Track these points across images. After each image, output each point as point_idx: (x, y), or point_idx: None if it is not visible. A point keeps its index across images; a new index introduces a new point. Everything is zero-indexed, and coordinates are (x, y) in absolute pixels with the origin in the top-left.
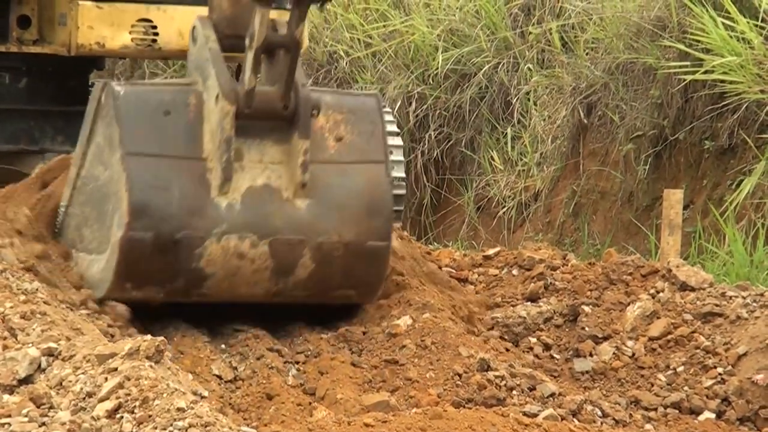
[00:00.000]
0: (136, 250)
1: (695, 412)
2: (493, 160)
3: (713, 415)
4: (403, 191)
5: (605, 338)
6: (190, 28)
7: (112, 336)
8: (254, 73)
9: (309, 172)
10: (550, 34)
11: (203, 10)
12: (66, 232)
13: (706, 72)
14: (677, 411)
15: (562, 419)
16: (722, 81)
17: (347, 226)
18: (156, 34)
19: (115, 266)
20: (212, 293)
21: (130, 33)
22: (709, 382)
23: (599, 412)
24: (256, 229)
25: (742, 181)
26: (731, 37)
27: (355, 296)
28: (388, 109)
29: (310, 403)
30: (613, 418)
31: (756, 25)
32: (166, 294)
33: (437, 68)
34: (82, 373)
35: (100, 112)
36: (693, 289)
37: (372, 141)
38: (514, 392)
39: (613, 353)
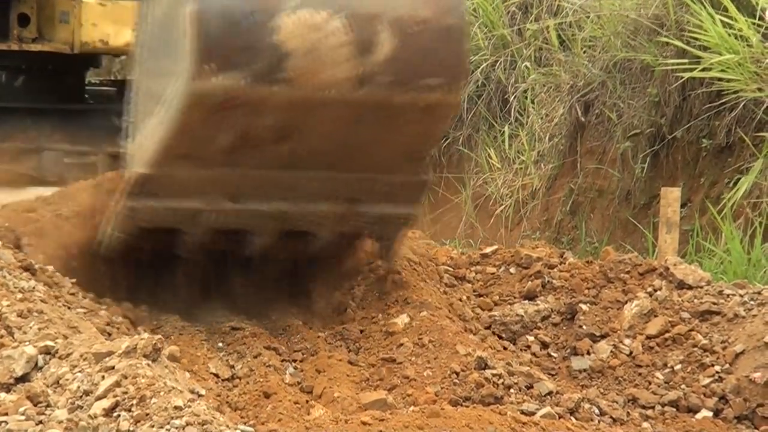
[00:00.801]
0: (211, 22)
1: (693, 410)
2: (491, 158)
3: (710, 414)
4: None
5: (603, 336)
6: None
7: (109, 334)
8: None
9: None
10: (548, 32)
11: None
12: (137, 119)
13: (703, 70)
14: (675, 409)
15: (559, 417)
16: (720, 79)
17: (420, 4)
18: None
19: (195, 44)
20: (296, 76)
21: (133, 30)
22: (707, 381)
23: (597, 411)
24: (330, 3)
25: (739, 179)
26: (729, 34)
27: (443, 86)
28: None
29: (307, 401)
30: (611, 417)
31: (754, 23)
32: (251, 78)
33: None
34: (79, 372)
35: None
36: (690, 288)
37: None
38: (512, 390)
39: (611, 351)
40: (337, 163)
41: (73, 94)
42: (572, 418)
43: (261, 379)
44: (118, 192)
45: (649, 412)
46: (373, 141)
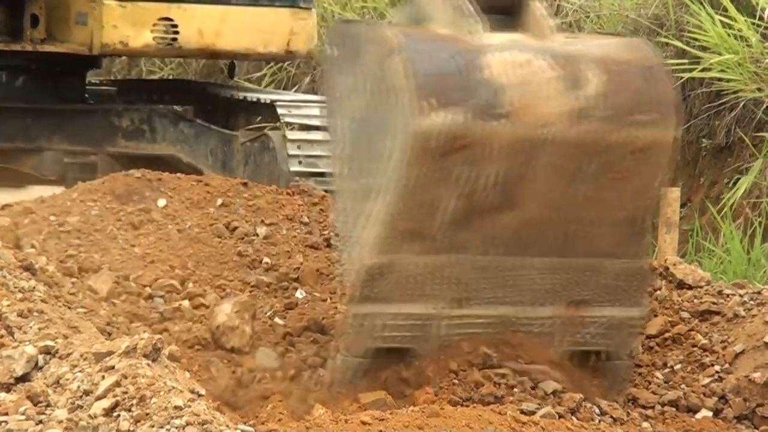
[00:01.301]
0: (421, 62)
1: (692, 410)
2: None
3: (710, 413)
4: None
5: None
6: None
7: (110, 334)
8: None
9: (554, 18)
10: None
11: (222, 9)
12: (353, 228)
13: (703, 70)
14: (674, 409)
15: (560, 417)
16: (719, 79)
17: (615, 49)
18: (176, 32)
19: (408, 83)
20: (513, 110)
21: (151, 32)
22: (707, 380)
23: (597, 410)
24: (529, 48)
25: (739, 179)
26: (729, 35)
27: (653, 124)
28: None
29: (307, 401)
30: (611, 416)
31: (753, 23)
32: (471, 114)
33: None
34: (79, 371)
35: (333, 63)
36: (690, 287)
37: (602, 36)
38: (515, 389)
39: None
40: (559, 242)
41: (73, 94)
42: (573, 417)
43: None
44: (342, 304)
45: (649, 411)
46: (593, 202)
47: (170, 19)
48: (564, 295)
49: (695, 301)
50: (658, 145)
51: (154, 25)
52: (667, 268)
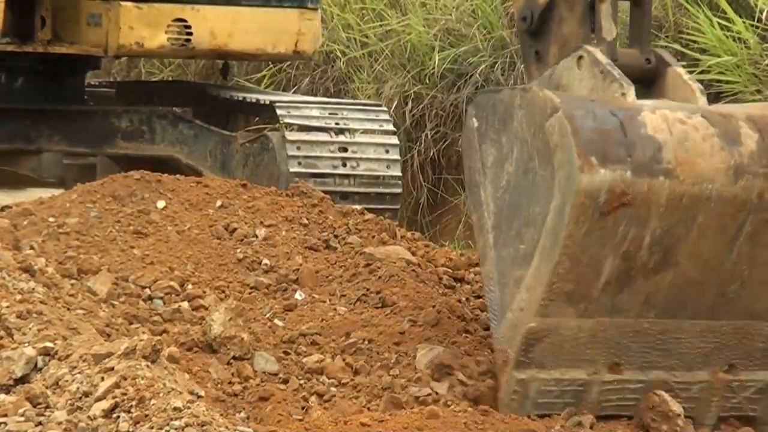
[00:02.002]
0: (582, 121)
1: None
2: None
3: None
4: (399, 190)
5: None
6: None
7: (109, 335)
8: (614, 22)
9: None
10: None
11: (234, 10)
12: (506, 297)
13: (702, 72)
14: None
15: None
16: (718, 81)
17: (763, 109)
18: (190, 34)
19: (573, 141)
20: (674, 166)
21: (165, 33)
22: None
23: None
24: (682, 108)
25: None
26: (727, 37)
27: None
28: (384, 109)
29: (306, 401)
30: None
31: (752, 25)
32: (633, 170)
33: (434, 68)
34: (79, 373)
35: (480, 133)
36: None
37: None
38: None
39: None
40: (714, 304)
41: (73, 95)
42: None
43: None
44: (499, 370)
45: None
46: (750, 261)
47: (184, 20)
48: (718, 357)
49: None
50: None
51: (169, 26)
52: None
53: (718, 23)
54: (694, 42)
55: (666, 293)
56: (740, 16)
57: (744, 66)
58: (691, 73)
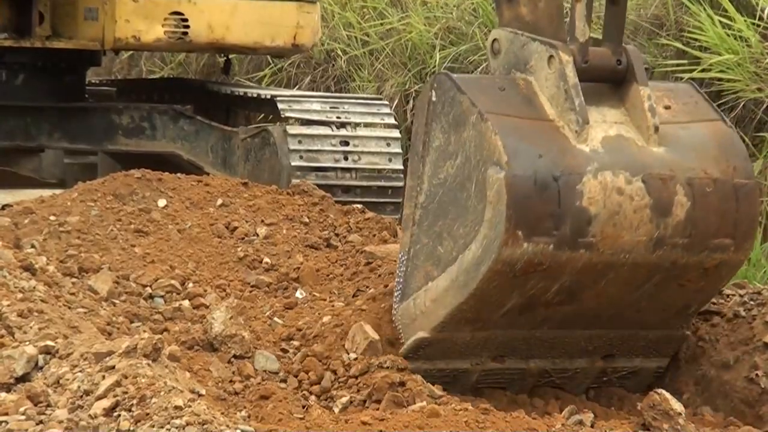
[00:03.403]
0: (521, 189)
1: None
2: None
3: (712, 412)
4: (401, 183)
5: None
6: (488, 42)
7: (110, 334)
8: (588, 24)
9: (658, 115)
10: None
11: (231, 3)
12: (411, 279)
13: (703, 70)
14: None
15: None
16: (719, 79)
17: (709, 164)
18: (187, 27)
19: (505, 213)
20: (598, 241)
21: (162, 26)
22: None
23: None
24: (626, 166)
25: None
26: (728, 35)
27: (732, 247)
28: (385, 103)
29: (307, 400)
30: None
31: (753, 23)
32: (556, 244)
33: (434, 66)
34: (80, 371)
35: (434, 110)
36: None
37: (699, 106)
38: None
39: None
40: (606, 322)
41: (73, 92)
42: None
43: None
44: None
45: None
46: (650, 299)
47: (181, 14)
48: (599, 352)
49: None
50: (729, 264)
51: (165, 19)
52: None
53: (720, 21)
54: (696, 40)
55: (563, 315)
56: (741, 15)
57: (745, 64)
58: (691, 71)
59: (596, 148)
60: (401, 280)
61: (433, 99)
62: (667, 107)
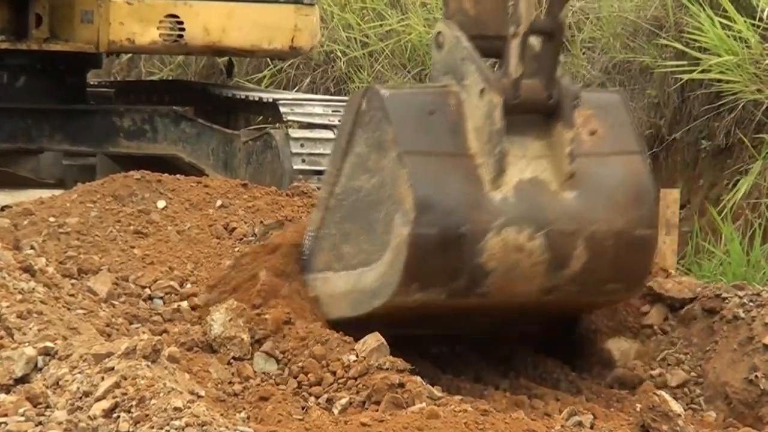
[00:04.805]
0: (423, 247)
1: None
2: None
3: (713, 414)
4: None
5: None
6: (433, 35)
7: (109, 335)
8: (521, 61)
9: (576, 161)
10: None
11: (227, 6)
12: (315, 258)
13: (702, 71)
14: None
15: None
16: (719, 80)
17: (615, 215)
18: (182, 30)
19: (403, 266)
20: (491, 291)
21: (158, 29)
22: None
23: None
24: (532, 221)
25: (738, 180)
26: (728, 36)
27: (623, 290)
28: None
29: (306, 401)
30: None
31: (753, 24)
32: (448, 294)
33: None
34: (79, 373)
35: (361, 119)
36: (681, 306)
37: (625, 133)
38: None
39: None
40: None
41: (74, 94)
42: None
43: (261, 380)
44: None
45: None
46: (537, 315)
47: (176, 16)
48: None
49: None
50: (619, 301)
51: (161, 22)
52: (652, 290)
53: (719, 22)
54: (695, 41)
55: (454, 323)
56: (741, 15)
57: (745, 65)
58: (691, 72)
59: (507, 197)
60: (306, 252)
61: (363, 108)
62: (593, 132)
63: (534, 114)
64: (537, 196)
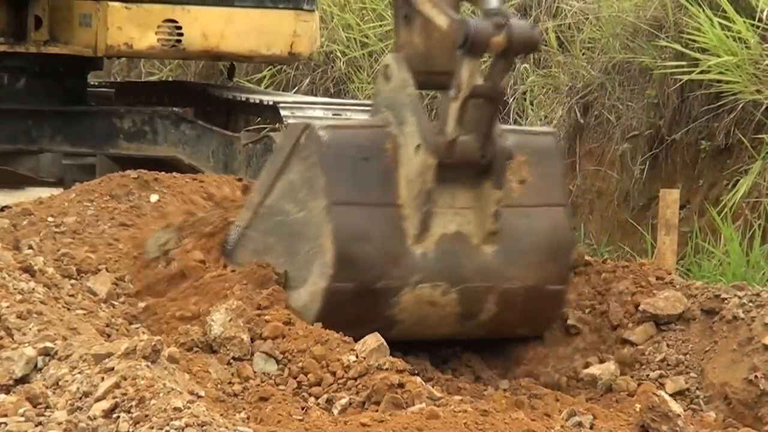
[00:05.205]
0: (337, 300)
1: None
2: None
3: (713, 414)
4: None
5: None
6: (382, 65)
7: (109, 336)
8: (459, 124)
9: (499, 221)
10: (547, 33)
11: (226, 11)
12: (239, 252)
13: (702, 72)
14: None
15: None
16: (718, 81)
17: (530, 272)
18: (180, 34)
19: (317, 312)
20: (400, 336)
21: (156, 34)
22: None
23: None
24: (448, 277)
25: (738, 180)
26: (727, 36)
27: (529, 332)
28: None
29: (306, 401)
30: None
31: (753, 25)
32: (360, 334)
33: None
34: (79, 373)
35: (299, 151)
36: (666, 323)
37: (553, 183)
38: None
39: None
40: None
41: (74, 96)
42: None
43: (260, 380)
44: None
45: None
46: None
47: (174, 21)
48: None
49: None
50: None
51: (159, 26)
52: (638, 306)
53: (719, 23)
54: (695, 41)
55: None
56: (741, 16)
57: (744, 66)
58: (690, 73)
59: (427, 252)
60: (231, 242)
61: (302, 142)
62: (522, 181)
63: (468, 169)
64: (457, 251)
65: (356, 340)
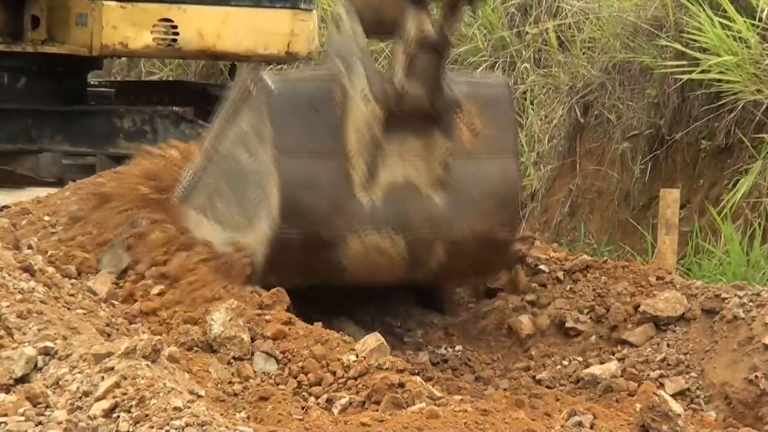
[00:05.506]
0: (283, 248)
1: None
2: None
3: (713, 414)
4: None
5: None
6: (334, 15)
7: (109, 335)
8: (406, 75)
9: (448, 169)
10: (547, 33)
11: (223, 10)
12: (193, 196)
13: (702, 71)
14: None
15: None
16: (719, 80)
17: (479, 220)
18: (176, 34)
19: (263, 258)
20: (349, 282)
21: (151, 33)
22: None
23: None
24: (395, 226)
25: (738, 180)
26: (728, 36)
27: (478, 277)
28: None
29: (306, 401)
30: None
31: (753, 25)
32: (306, 282)
33: None
34: (79, 373)
35: (249, 100)
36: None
37: (504, 132)
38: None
39: None
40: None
41: (74, 95)
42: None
43: (261, 380)
44: None
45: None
46: None
47: (170, 20)
48: None
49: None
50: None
51: (154, 26)
52: (637, 307)
53: (719, 22)
54: (695, 41)
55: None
56: (741, 16)
57: (744, 65)
58: (691, 73)
59: (375, 202)
60: (184, 183)
61: (252, 92)
62: (472, 129)
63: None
64: (405, 200)
65: (306, 287)
